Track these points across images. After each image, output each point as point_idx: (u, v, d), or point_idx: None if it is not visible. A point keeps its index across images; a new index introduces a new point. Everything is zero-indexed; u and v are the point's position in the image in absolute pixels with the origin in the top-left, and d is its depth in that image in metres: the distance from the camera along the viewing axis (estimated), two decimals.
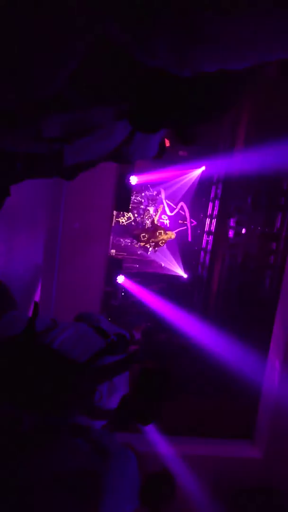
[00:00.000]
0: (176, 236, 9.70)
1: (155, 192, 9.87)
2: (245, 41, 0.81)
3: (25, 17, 0.92)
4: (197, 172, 9.59)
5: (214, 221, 9.36)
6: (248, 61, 0.89)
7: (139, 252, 9.97)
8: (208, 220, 9.77)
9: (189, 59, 0.90)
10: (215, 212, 9.32)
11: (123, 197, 7.28)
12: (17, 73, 1.04)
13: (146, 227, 9.56)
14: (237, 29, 0.79)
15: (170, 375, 1.84)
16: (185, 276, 9.93)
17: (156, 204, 9.88)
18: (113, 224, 8.07)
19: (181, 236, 9.97)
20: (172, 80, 1.04)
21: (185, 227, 9.94)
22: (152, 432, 5.15)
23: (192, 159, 9.08)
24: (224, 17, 0.77)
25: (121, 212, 9.18)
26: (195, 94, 1.10)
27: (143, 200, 9.83)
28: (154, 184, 9.71)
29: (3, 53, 0.98)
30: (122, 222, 9.47)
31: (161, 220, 9.92)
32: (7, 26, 0.94)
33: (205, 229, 9.84)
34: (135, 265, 9.93)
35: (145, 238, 9.19)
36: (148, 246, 9.32)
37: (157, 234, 9.21)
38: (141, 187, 9.67)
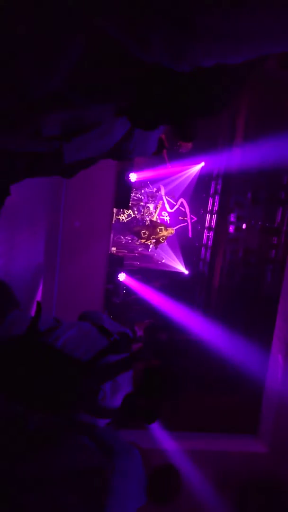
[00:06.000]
0: (176, 233, 9.69)
1: (154, 189, 9.85)
2: (242, 36, 0.81)
3: (23, 16, 0.92)
4: (197, 168, 9.56)
5: (214, 216, 9.34)
6: (246, 55, 0.88)
7: (140, 249, 9.97)
8: (208, 216, 9.76)
9: (186, 54, 0.89)
10: (215, 208, 9.31)
11: (122, 195, 7.27)
12: (15, 73, 1.03)
13: (146, 224, 9.55)
14: (234, 24, 0.78)
15: (173, 372, 1.84)
16: (186, 272, 9.93)
17: (156, 201, 9.87)
18: (113, 222, 8.07)
19: (181, 232, 9.96)
20: (170, 77, 1.03)
21: (186, 223, 9.92)
22: (156, 428, 5.17)
23: (192, 154, 9.06)
24: (221, 12, 0.76)
25: (121, 210, 9.16)
26: (194, 90, 1.10)
27: (142, 197, 9.81)
28: (153, 181, 9.68)
29: (2, 53, 0.98)
30: (122, 219, 9.46)
31: (161, 217, 9.91)
32: (6, 26, 0.93)
33: (206, 225, 9.83)
34: (136, 262, 9.93)
35: (146, 235, 9.18)
36: (149, 243, 9.32)
37: (158, 230, 9.20)
38: (141, 184, 9.65)
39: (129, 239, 9.90)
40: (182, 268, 9.97)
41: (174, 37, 0.84)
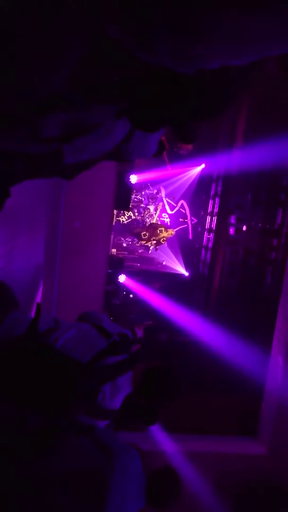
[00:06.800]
0: (177, 234, 9.69)
1: (155, 191, 9.86)
2: (248, 37, 0.80)
3: (24, 17, 0.92)
4: (197, 169, 9.57)
5: (214, 218, 9.35)
6: (251, 56, 0.88)
7: (140, 251, 9.96)
8: (208, 218, 9.77)
9: (190, 57, 0.89)
10: (216, 210, 9.31)
11: (123, 196, 7.27)
12: (16, 74, 1.03)
13: (147, 225, 9.55)
14: (240, 25, 0.78)
15: (173, 374, 1.84)
16: (186, 274, 9.92)
17: (156, 203, 9.87)
18: (113, 223, 8.06)
19: (181, 234, 9.96)
20: (171, 78, 1.03)
21: (186, 225, 9.92)
22: (155, 430, 5.16)
23: (192, 156, 9.07)
24: (227, 14, 0.76)
25: (122, 211, 9.16)
26: (195, 92, 1.10)
27: (143, 199, 9.81)
28: (154, 183, 9.69)
29: (2, 53, 0.98)
30: (123, 221, 9.46)
31: (161, 219, 9.91)
32: (6, 26, 0.93)
33: (206, 227, 9.83)
34: (136, 264, 9.92)
35: (146, 236, 9.18)
36: (149, 245, 9.31)
37: (158, 232, 9.20)
38: (141, 186, 9.66)
39: (130, 241, 9.91)
40: (182, 270, 9.96)
41: (178, 38, 0.84)
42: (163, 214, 9.95)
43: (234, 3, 0.74)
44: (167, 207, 9.86)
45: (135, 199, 9.64)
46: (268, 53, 0.86)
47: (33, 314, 1.76)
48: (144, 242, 9.27)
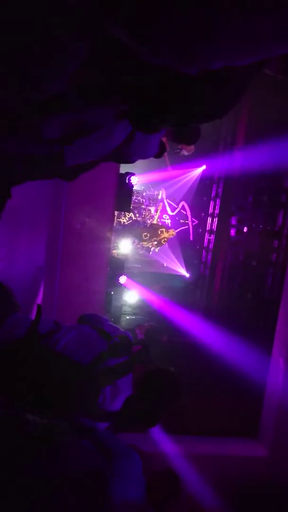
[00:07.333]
0: (177, 236, 9.69)
1: (155, 192, 9.86)
2: (252, 37, 0.80)
3: (26, 17, 0.91)
4: (198, 171, 9.57)
5: (215, 219, 9.34)
6: (255, 57, 0.88)
7: (141, 252, 9.96)
8: (209, 219, 9.76)
9: (195, 57, 0.88)
10: (216, 211, 9.30)
11: (124, 197, 7.26)
12: (17, 74, 1.03)
13: (148, 226, 9.56)
14: (243, 25, 0.78)
15: (173, 375, 1.84)
16: (187, 275, 9.92)
17: (157, 204, 9.88)
18: (114, 224, 8.06)
19: (182, 235, 9.96)
20: (173, 79, 1.03)
21: (187, 227, 9.92)
22: (156, 431, 5.15)
23: (193, 158, 9.07)
24: (230, 14, 0.75)
25: (122, 212, 9.17)
26: (197, 93, 1.09)
27: (144, 200, 9.82)
28: (154, 184, 9.69)
29: (3, 53, 0.98)
30: (124, 222, 9.47)
31: (162, 220, 9.92)
32: (7, 26, 0.93)
33: (207, 228, 9.82)
34: (137, 265, 9.92)
35: (147, 237, 9.18)
36: (150, 246, 9.31)
37: (159, 232, 9.21)
38: (142, 187, 9.67)
39: (130, 242, 9.91)
40: (183, 271, 9.96)
41: (181, 38, 0.83)
42: (163, 216, 9.95)
43: (238, 4, 0.73)
44: (168, 208, 9.87)
45: (136, 200, 9.64)
46: (272, 54, 0.86)
47: (33, 315, 1.76)
48: (145, 243, 9.28)
